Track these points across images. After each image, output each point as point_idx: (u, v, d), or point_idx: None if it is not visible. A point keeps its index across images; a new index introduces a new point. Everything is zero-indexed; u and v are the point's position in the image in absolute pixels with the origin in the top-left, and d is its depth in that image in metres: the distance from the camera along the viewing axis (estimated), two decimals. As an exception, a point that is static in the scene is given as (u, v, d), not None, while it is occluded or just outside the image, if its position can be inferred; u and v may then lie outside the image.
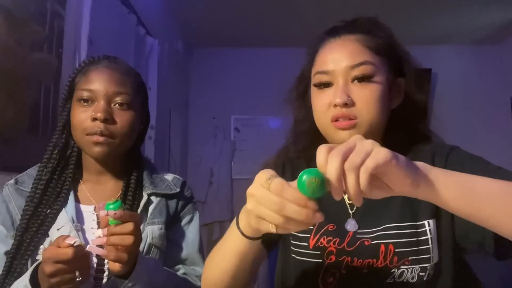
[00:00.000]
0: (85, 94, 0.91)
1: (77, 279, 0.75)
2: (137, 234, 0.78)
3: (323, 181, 0.50)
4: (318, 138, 0.86)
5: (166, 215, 0.98)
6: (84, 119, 0.90)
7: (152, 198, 0.98)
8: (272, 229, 0.53)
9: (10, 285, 0.83)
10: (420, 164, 0.54)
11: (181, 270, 0.99)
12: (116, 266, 0.78)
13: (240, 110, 4.16)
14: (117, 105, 0.92)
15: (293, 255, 0.81)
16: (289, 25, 3.64)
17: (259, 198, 0.53)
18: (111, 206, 0.76)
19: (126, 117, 0.93)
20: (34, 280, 0.78)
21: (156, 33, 2.81)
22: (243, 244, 0.67)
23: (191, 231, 1.03)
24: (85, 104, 0.91)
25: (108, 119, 0.90)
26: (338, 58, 0.77)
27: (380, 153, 0.49)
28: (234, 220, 0.83)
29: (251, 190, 0.55)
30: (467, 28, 3.69)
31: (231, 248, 0.70)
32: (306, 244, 0.79)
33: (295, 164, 0.90)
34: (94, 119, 0.89)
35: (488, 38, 3.87)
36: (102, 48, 1.76)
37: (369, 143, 0.51)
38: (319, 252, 0.77)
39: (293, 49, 3.81)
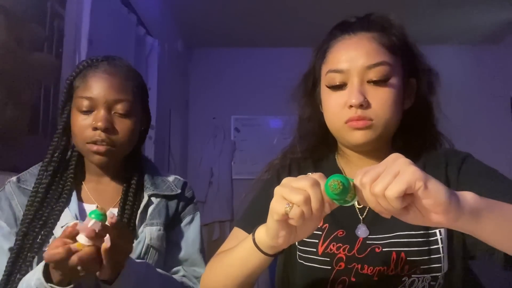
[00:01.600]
0: (85, 104, 0.89)
1: (80, 273, 0.74)
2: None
3: (346, 188, 0.52)
4: (325, 138, 0.84)
5: (165, 216, 0.98)
6: (85, 127, 0.89)
7: (153, 199, 0.98)
8: (287, 209, 0.54)
9: (15, 282, 0.83)
10: (466, 195, 0.50)
11: (180, 272, 0.99)
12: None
13: (240, 110, 4.16)
14: (117, 113, 0.91)
15: (300, 260, 0.78)
16: (289, 25, 3.64)
17: (296, 179, 0.56)
18: (92, 216, 0.70)
19: (127, 125, 0.92)
20: (46, 274, 0.77)
21: (156, 33, 2.81)
22: (256, 258, 0.65)
23: (192, 232, 1.03)
24: (85, 113, 0.90)
25: (109, 128, 0.89)
26: (354, 56, 0.73)
27: (404, 176, 0.47)
28: (236, 230, 0.82)
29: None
30: (467, 28, 3.70)
31: (242, 258, 0.68)
32: (315, 250, 0.76)
33: (301, 165, 0.87)
34: (95, 128, 0.89)
35: (488, 38, 3.87)
36: (102, 48, 1.76)
37: (399, 165, 0.48)
38: (328, 259, 0.75)
39: (293, 49, 3.85)
